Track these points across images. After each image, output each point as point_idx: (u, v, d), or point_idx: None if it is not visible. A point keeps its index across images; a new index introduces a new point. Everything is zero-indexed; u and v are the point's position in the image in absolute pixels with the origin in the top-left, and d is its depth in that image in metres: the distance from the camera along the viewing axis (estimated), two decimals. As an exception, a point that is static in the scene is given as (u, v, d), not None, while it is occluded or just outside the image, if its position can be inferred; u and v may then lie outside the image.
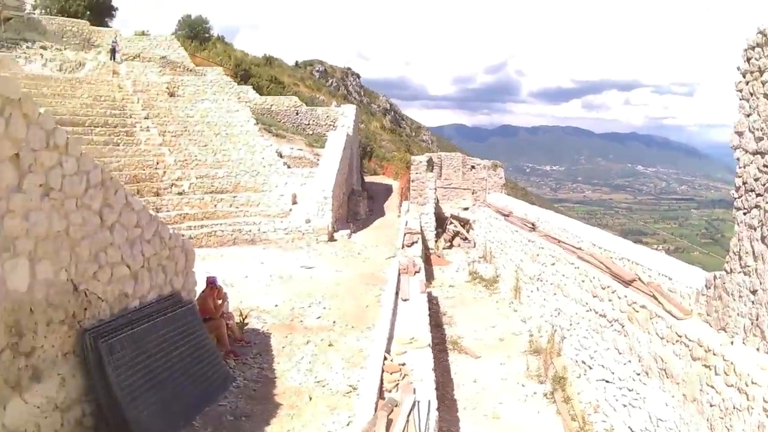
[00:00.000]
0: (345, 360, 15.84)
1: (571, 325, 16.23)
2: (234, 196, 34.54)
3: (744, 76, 9.18)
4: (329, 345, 16.94)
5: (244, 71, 66.84)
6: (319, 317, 19.54)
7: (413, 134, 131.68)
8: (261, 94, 54.83)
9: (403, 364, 11.42)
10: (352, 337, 17.71)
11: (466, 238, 33.99)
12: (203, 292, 15.72)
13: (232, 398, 13.26)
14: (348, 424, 11.84)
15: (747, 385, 8.47)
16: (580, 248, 16.88)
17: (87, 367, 9.78)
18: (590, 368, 14.48)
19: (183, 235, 14.89)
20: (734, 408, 8.77)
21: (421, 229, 30.10)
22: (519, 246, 22.62)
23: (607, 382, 13.43)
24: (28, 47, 46.10)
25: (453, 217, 35.28)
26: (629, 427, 12.05)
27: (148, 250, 12.10)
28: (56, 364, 9.19)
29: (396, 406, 9.30)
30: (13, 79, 7.98)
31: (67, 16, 58.06)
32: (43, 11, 60.61)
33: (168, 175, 34.50)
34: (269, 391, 13.90)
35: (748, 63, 9.05)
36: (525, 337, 18.90)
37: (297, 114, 53.11)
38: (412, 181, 36.78)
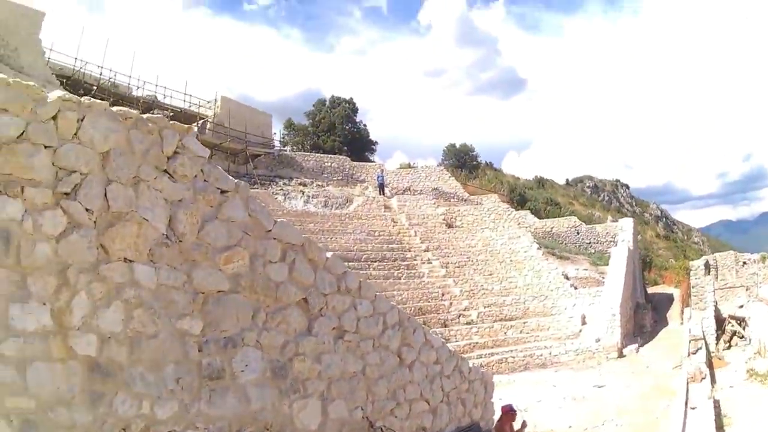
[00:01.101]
0: (637, 474, 14.11)
1: None
2: (524, 322, 32.52)
3: None
4: (622, 460, 15.25)
5: (520, 196, 65.10)
6: (611, 434, 17.74)
7: (685, 238, 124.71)
8: (539, 218, 52.65)
9: None
10: (644, 451, 15.94)
11: (742, 336, 31.07)
12: (500, 419, 14.37)
13: None
14: None
15: None
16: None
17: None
18: None
19: (482, 367, 13.79)
20: None
21: (703, 334, 27.70)
22: None
23: None
24: (285, 184, 46.12)
25: (730, 317, 32.24)
26: None
27: (448, 385, 11.17)
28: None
29: None
30: (292, 226, 7.20)
31: (322, 152, 56.95)
32: (294, 148, 60.76)
33: (455, 306, 33.08)
34: None
35: None
36: None
37: (577, 234, 50.28)
38: (693, 286, 34.50)
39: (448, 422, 11.17)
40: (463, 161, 73.14)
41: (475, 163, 75.84)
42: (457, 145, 76.56)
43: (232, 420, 6.55)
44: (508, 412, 14.55)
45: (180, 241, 6.12)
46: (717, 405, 19.75)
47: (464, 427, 11.87)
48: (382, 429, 9.02)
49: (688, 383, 17.61)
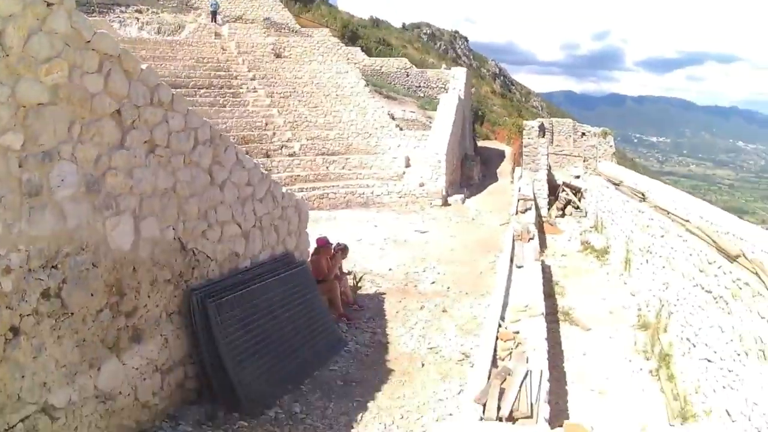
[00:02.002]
0: (458, 327, 15.35)
1: (678, 300, 15.30)
2: (346, 158, 34.38)
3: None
4: (443, 311, 16.47)
5: (352, 33, 65.63)
6: (433, 282, 19.09)
7: (523, 100, 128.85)
8: (369, 56, 53.49)
9: (517, 332, 11.05)
10: (466, 303, 17.19)
11: (578, 207, 32.99)
12: (316, 252, 15.42)
13: (343, 363, 12.96)
14: (459, 392, 11.32)
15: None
16: (687, 221, 16.10)
17: (193, 327, 9.60)
18: (694, 346, 13.57)
19: (296, 195, 14.54)
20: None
21: (534, 196, 29.12)
22: (629, 216, 21.75)
23: (709, 361, 12.53)
24: (122, 11, 45.87)
25: (565, 184, 34.20)
26: (726, 410, 11.14)
27: (260, 209, 11.87)
28: (159, 325, 9.03)
29: (509, 375, 8.86)
30: (110, 35, 7.76)
31: None
32: None
33: (278, 137, 34.54)
34: (381, 356, 13.55)
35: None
36: (634, 310, 18.00)
37: (407, 76, 51.34)
38: (525, 146, 35.86)
39: (261, 249, 11.98)
40: (297, -7, 72.57)
41: (310, -4, 75.48)
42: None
43: (50, 240, 6.99)
44: (325, 246, 15.68)
45: (7, 55, 6.42)
46: (548, 271, 21.32)
47: (278, 256, 12.65)
48: (194, 252, 9.71)
49: (514, 241, 18.24)
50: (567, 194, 33.32)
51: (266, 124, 35.21)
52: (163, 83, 8.95)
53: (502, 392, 8.35)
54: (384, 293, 17.79)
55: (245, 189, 11.26)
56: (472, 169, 39.06)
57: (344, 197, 30.77)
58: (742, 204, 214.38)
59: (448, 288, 18.58)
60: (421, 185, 31.48)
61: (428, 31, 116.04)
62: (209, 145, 10.00)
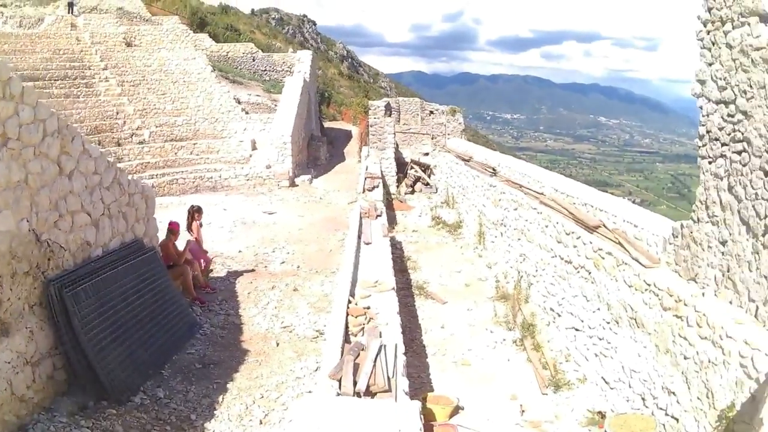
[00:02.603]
0: (310, 305, 15.89)
1: (537, 271, 16.00)
2: (194, 143, 34.71)
3: (705, 26, 9.16)
4: (294, 290, 17.02)
5: (201, 20, 66.09)
6: (283, 262, 19.64)
7: (371, 81, 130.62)
8: (217, 42, 54.63)
9: (368, 308, 11.42)
10: (317, 281, 17.79)
11: (427, 183, 33.89)
12: (165, 238, 15.62)
13: (200, 345, 13.32)
14: (316, 370, 11.77)
15: (722, 339, 8.27)
16: (542, 193, 16.77)
17: (54, 318, 9.71)
18: (559, 315, 14.24)
19: (143, 181, 14.70)
20: (710, 362, 8.51)
21: (382, 174, 30.04)
22: (480, 191, 22.50)
23: (577, 330, 13.15)
24: None
25: (414, 162, 35.16)
26: (602, 377, 11.81)
27: (108, 197, 12.02)
28: (24, 317, 9.13)
29: (362, 350, 9.27)
30: None
31: None
32: None
33: (128, 125, 34.57)
34: (236, 337, 13.95)
35: (710, 13, 9.03)
36: (491, 282, 18.79)
37: (253, 60, 52.56)
38: (371, 125, 36.38)
39: (111, 237, 12.13)
40: (149, -17, 72.38)
41: (161, -15, 75.36)
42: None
43: None
44: (173, 231, 15.95)
45: None
46: (399, 246, 21.87)
47: (128, 243, 12.80)
48: (48, 242, 9.79)
49: (361, 218, 18.55)
50: (416, 171, 34.22)
51: (117, 113, 35.28)
52: (13, 76, 8.96)
53: (356, 367, 8.71)
54: (235, 275, 18.20)
55: (93, 177, 11.38)
56: (319, 150, 39.89)
57: (193, 182, 31.29)
58: (606, 177, 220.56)
59: (298, 267, 19.14)
60: (268, 167, 32.20)
61: (277, 16, 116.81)
62: (57, 135, 10.09)
